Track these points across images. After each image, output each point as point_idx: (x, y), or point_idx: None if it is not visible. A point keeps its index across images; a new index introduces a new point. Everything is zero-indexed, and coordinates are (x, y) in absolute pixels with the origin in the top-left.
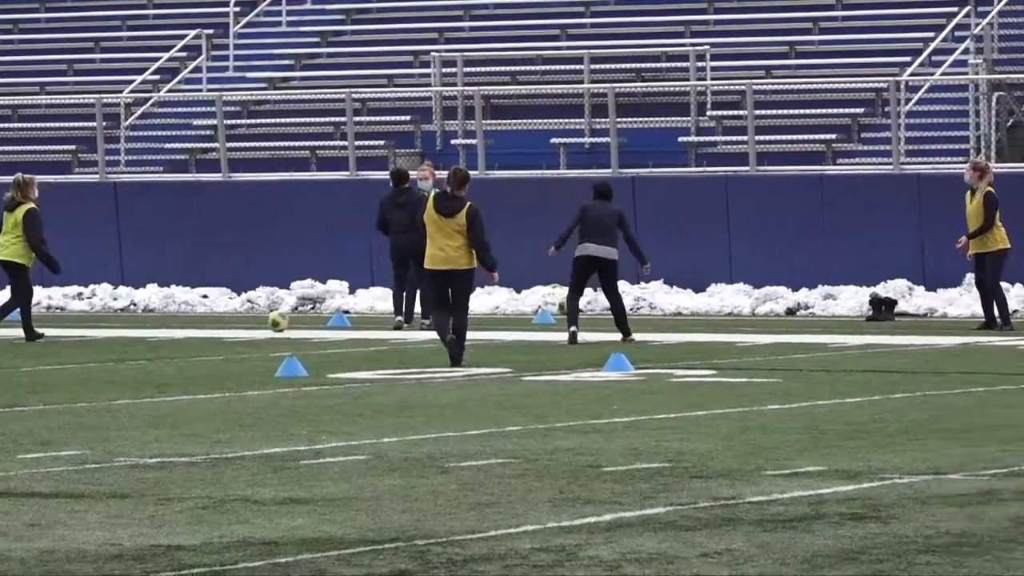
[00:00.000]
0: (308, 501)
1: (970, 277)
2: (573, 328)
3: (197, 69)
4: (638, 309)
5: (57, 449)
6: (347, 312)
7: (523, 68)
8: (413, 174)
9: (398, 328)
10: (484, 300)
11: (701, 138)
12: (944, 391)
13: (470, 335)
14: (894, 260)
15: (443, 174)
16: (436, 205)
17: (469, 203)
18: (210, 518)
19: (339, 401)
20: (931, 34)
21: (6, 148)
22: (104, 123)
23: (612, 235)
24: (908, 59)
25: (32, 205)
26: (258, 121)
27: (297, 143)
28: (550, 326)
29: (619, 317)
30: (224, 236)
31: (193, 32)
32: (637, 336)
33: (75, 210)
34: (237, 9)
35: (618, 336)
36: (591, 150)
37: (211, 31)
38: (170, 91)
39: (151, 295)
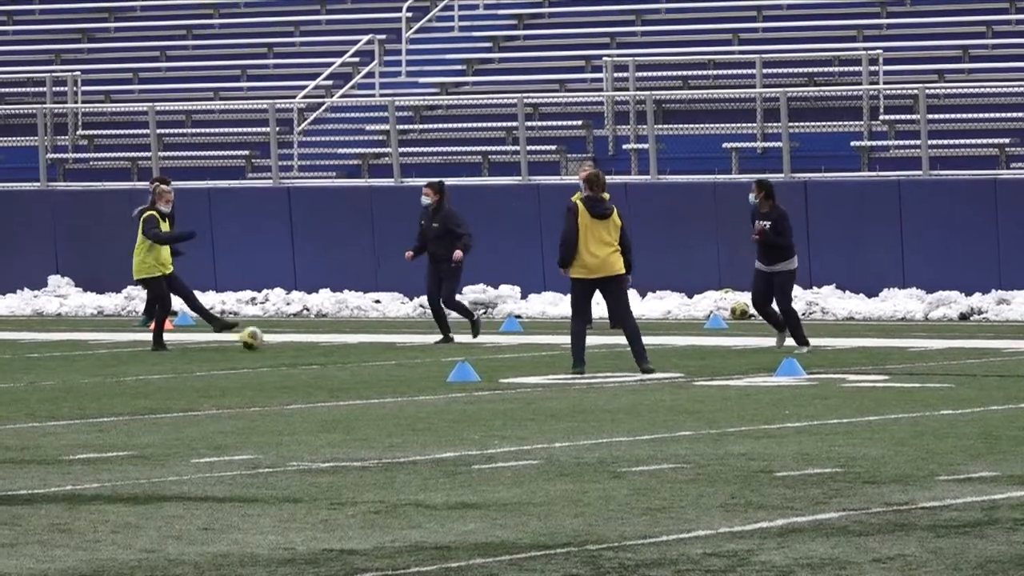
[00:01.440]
0: (480, 506)
1: None
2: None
3: (370, 74)
4: (811, 314)
5: (230, 453)
6: (519, 317)
7: (695, 72)
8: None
9: None
10: (656, 305)
11: (874, 142)
12: None
13: (645, 340)
14: None
15: (633, 179)
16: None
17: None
18: (382, 522)
19: (511, 406)
20: None
21: (181, 154)
22: (277, 128)
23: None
24: None
25: (151, 211)
26: (430, 126)
27: (469, 148)
28: (722, 331)
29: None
30: (397, 241)
31: (366, 38)
32: (811, 341)
33: (248, 215)
34: (409, 15)
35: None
36: (763, 154)
37: (383, 36)
38: (343, 96)
39: (324, 300)
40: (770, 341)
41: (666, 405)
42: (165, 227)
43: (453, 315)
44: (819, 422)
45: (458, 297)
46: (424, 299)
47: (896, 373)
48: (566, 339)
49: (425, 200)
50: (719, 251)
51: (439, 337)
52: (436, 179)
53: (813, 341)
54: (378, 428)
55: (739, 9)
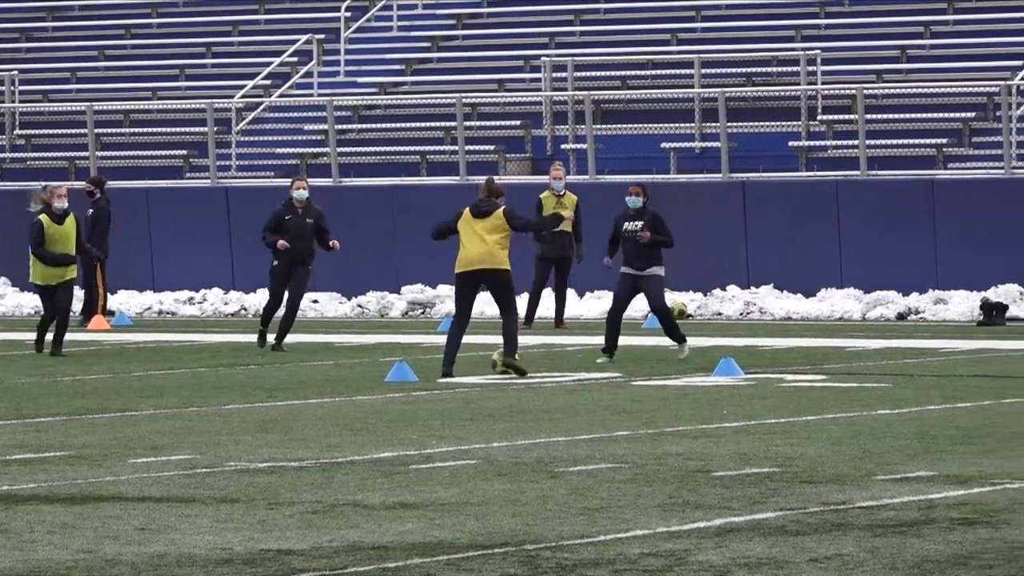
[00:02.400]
0: (418, 506)
1: None
2: None
3: (308, 74)
4: (748, 314)
5: (168, 454)
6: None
7: (633, 73)
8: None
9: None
10: (594, 304)
11: (812, 142)
12: None
13: (583, 340)
14: (1005, 265)
15: (572, 179)
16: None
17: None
18: (320, 523)
19: (449, 406)
20: None
21: (118, 153)
22: (215, 128)
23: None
24: (1020, 63)
25: (41, 216)
26: (369, 126)
27: (407, 148)
28: (660, 331)
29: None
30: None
31: (304, 37)
32: (748, 341)
33: (186, 215)
34: (348, 14)
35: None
36: (701, 155)
37: (322, 36)
38: (281, 96)
39: (262, 300)
40: (709, 341)
41: (604, 405)
42: (62, 229)
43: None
44: (757, 422)
45: (402, 297)
46: None
47: (834, 373)
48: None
49: (302, 194)
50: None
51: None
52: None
53: (751, 341)
54: (316, 428)
55: (678, 9)
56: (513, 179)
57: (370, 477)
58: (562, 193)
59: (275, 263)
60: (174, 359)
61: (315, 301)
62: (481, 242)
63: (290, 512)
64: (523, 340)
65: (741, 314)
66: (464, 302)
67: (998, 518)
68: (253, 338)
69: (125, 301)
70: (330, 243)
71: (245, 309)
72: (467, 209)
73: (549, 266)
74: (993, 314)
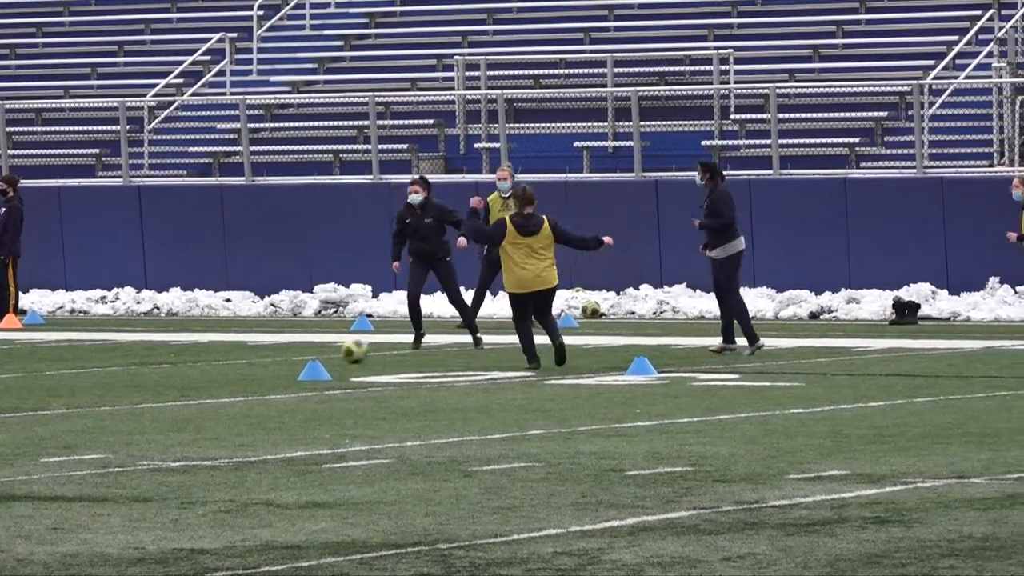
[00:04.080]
0: (331, 505)
1: (993, 280)
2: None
3: (220, 73)
4: (661, 313)
5: (80, 453)
6: (370, 316)
7: (546, 72)
8: (492, 176)
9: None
10: (507, 303)
11: (724, 142)
12: (967, 395)
13: (495, 338)
14: (917, 264)
15: (485, 177)
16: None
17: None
18: (232, 522)
19: (362, 405)
20: (955, 37)
21: (30, 152)
22: (128, 127)
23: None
24: (932, 62)
25: None
26: (281, 125)
27: (320, 147)
28: (573, 330)
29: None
30: (247, 240)
31: (216, 36)
32: (661, 340)
33: (98, 213)
34: (260, 13)
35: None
36: (614, 154)
37: (234, 35)
38: (193, 95)
39: (174, 299)
40: (622, 340)
41: (517, 404)
42: None
43: (420, 315)
44: (670, 421)
45: (315, 296)
46: (405, 296)
47: (746, 372)
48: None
49: (416, 198)
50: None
51: (413, 337)
52: (418, 175)
53: (663, 340)
54: (229, 427)
55: (590, 8)
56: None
57: (283, 476)
58: (508, 195)
59: (411, 261)
60: (86, 358)
61: (228, 300)
62: (535, 262)
63: (203, 511)
64: (428, 339)
65: (654, 313)
66: (524, 310)
67: (910, 517)
68: (163, 337)
69: (37, 300)
70: (459, 240)
71: (158, 308)
72: (509, 223)
73: (495, 270)
74: (905, 313)
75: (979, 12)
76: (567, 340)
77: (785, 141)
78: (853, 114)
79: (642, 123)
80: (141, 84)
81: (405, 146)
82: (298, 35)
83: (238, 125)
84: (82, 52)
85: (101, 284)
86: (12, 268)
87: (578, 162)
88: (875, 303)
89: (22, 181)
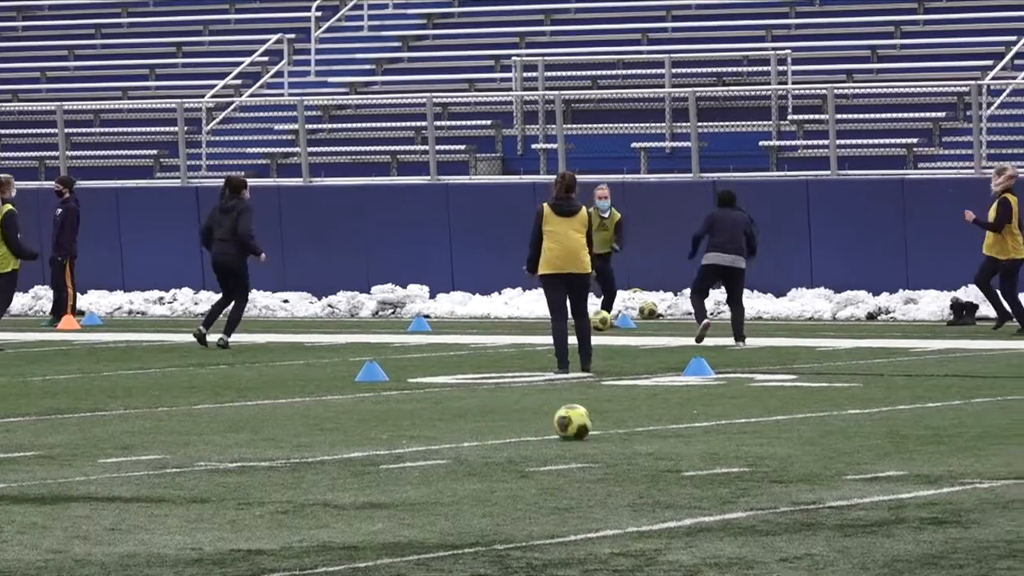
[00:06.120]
0: (388, 505)
1: None
2: (705, 321)
3: (279, 74)
4: (719, 313)
5: (138, 453)
6: (427, 316)
7: (604, 72)
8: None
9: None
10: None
11: (782, 142)
12: None
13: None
14: (975, 264)
15: (542, 178)
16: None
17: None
18: (290, 522)
19: (419, 405)
20: (1013, 37)
21: (89, 153)
22: (186, 128)
23: (741, 243)
24: (990, 62)
25: (9, 207)
26: (339, 126)
27: (378, 147)
28: (630, 330)
29: (738, 323)
30: (305, 241)
31: (275, 37)
32: (718, 341)
33: (157, 214)
34: (319, 14)
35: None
36: (672, 154)
37: (293, 36)
38: (252, 96)
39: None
40: (679, 341)
41: None
42: None
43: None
44: (727, 421)
45: (373, 297)
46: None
47: (804, 373)
48: (472, 338)
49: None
50: (629, 251)
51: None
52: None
53: (721, 341)
54: (286, 428)
55: (648, 9)
56: (484, 179)
57: (340, 477)
58: (607, 214)
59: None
60: (144, 359)
61: (285, 301)
62: (567, 241)
63: (260, 512)
64: (486, 339)
65: (712, 313)
66: (558, 299)
67: (968, 518)
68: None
69: (95, 301)
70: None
71: None
72: (546, 207)
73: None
74: (963, 314)
75: None
76: (625, 341)
77: (843, 142)
78: (911, 115)
79: (700, 124)
80: (199, 85)
81: (463, 147)
82: (356, 36)
83: (296, 126)
84: (140, 53)
85: (159, 285)
86: (69, 269)
87: (635, 163)
88: (933, 304)
89: (81, 183)
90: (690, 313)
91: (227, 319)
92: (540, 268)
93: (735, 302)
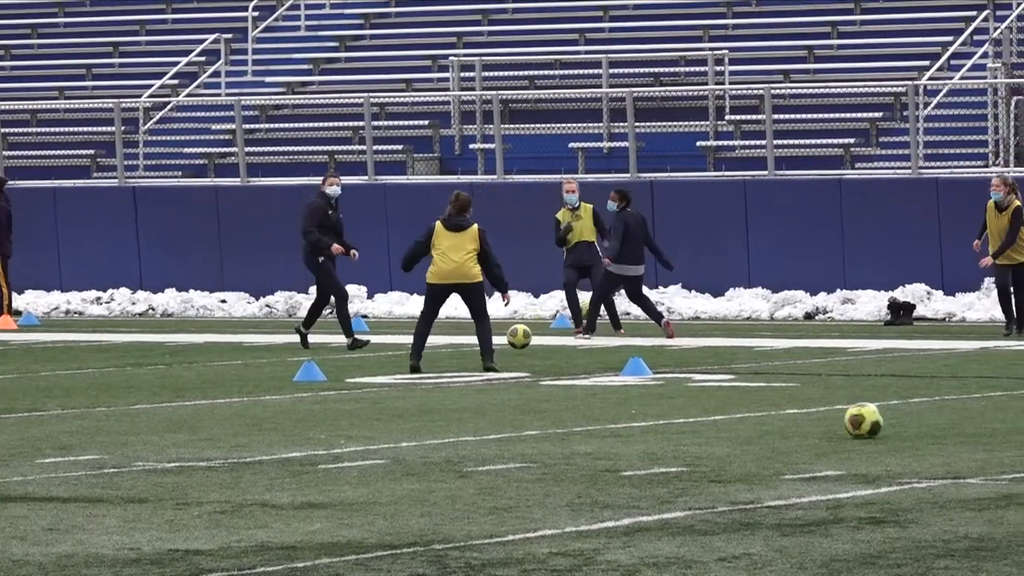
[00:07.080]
0: (326, 505)
1: (988, 281)
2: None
3: (216, 74)
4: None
5: (76, 453)
6: (365, 316)
7: (541, 72)
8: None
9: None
10: (502, 305)
11: (719, 142)
12: (963, 395)
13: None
14: (912, 264)
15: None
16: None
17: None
18: (228, 522)
19: (357, 405)
20: (950, 38)
21: (25, 153)
22: (123, 128)
23: (643, 248)
24: (927, 63)
25: None
26: (277, 126)
27: (315, 147)
28: (568, 330)
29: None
30: (242, 241)
31: (212, 37)
32: (655, 341)
33: (93, 214)
34: (256, 14)
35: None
36: (609, 154)
37: (230, 36)
38: (189, 96)
39: (169, 300)
40: (617, 341)
41: (512, 405)
42: None
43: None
44: (665, 422)
45: (310, 297)
46: None
47: (742, 372)
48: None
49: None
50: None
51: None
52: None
53: (660, 341)
54: (224, 428)
55: (585, 9)
56: (421, 179)
57: (279, 477)
58: (577, 206)
59: (321, 260)
60: (82, 359)
61: (223, 301)
62: (454, 257)
63: (198, 512)
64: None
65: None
66: (434, 305)
67: (905, 517)
68: (159, 338)
69: (32, 301)
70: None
71: (153, 309)
72: (438, 224)
73: (577, 273)
74: (900, 313)
75: (974, 12)
76: (563, 341)
77: (780, 142)
78: (848, 115)
79: (637, 124)
80: (136, 85)
81: (400, 147)
82: (293, 36)
83: (233, 126)
84: (77, 53)
85: (96, 285)
86: (3, 269)
87: (573, 163)
88: (870, 304)
89: (17, 182)
90: (627, 313)
91: (338, 322)
92: (428, 277)
93: (642, 300)
